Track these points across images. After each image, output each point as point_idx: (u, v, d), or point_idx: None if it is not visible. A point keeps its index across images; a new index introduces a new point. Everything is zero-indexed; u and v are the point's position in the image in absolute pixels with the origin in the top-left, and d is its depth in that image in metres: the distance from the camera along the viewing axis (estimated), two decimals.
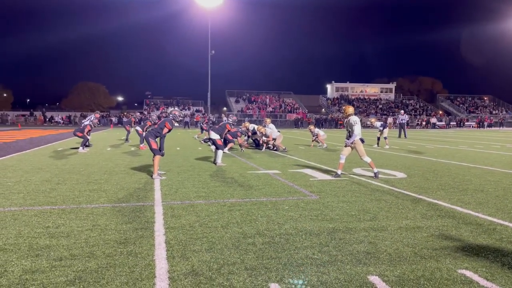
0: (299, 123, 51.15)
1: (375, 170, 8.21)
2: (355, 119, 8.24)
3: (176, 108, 22.91)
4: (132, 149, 14.66)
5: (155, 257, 3.57)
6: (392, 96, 70.28)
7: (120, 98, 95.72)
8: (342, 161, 8.31)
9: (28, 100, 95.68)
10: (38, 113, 57.08)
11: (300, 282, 3.06)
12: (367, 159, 8.27)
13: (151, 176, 7.99)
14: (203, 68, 53.73)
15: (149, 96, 72.27)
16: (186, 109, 60.07)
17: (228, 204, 5.68)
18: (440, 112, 65.28)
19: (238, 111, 57.26)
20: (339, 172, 8.31)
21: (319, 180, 7.79)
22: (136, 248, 3.80)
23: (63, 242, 3.93)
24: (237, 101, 60.57)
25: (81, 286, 2.96)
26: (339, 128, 48.29)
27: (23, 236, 4.12)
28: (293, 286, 3.00)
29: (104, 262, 3.42)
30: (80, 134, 14.08)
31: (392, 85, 71.85)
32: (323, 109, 66.36)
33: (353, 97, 67.67)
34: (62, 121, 52.54)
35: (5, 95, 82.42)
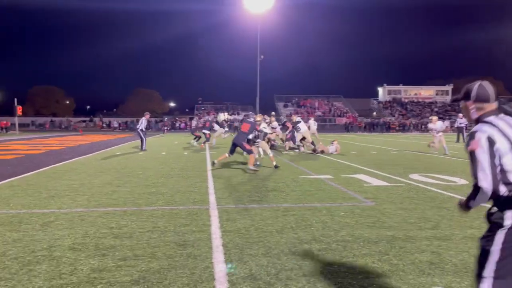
0: (350, 127, 50.18)
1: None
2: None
3: (226, 113, 23.42)
4: (185, 153, 15.06)
5: (213, 260, 3.63)
6: (448, 98, 67.08)
7: (172, 104, 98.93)
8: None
9: (88, 107, 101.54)
10: (97, 119, 60.43)
11: None
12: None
13: (248, 167, 9.59)
14: (252, 73, 54.27)
15: (200, 102, 74.00)
16: (235, 114, 60.95)
17: (282, 209, 5.66)
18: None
19: (286, 116, 57.18)
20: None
21: (374, 186, 7.58)
22: (195, 250, 3.88)
23: (127, 243, 4.10)
24: (285, 106, 60.55)
25: (145, 286, 3.08)
26: (391, 133, 46.81)
27: (90, 236, 4.35)
28: None
29: (166, 263, 3.53)
30: (197, 134, 18.94)
31: (449, 87, 68.64)
32: (374, 113, 64.66)
33: (406, 100, 65.41)
34: (119, 127, 55.14)
35: (67, 102, 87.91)
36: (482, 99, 2.04)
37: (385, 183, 7.90)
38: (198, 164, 11.21)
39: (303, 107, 60.14)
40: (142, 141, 16.35)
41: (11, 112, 50.38)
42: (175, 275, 3.27)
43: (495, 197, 1.98)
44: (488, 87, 2.07)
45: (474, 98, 2.06)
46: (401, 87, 68.17)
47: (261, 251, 3.86)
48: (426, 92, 67.93)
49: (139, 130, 16.37)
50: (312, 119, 19.85)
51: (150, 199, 6.30)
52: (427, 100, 65.64)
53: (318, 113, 57.95)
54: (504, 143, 1.93)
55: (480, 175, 1.93)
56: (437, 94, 67.79)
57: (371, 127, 50.36)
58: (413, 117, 58.27)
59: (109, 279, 3.19)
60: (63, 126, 56.58)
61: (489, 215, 2.05)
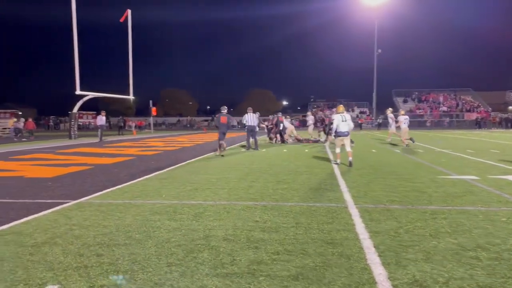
0: (482, 123, 45.04)
1: (337, 160, 10.46)
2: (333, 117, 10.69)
3: None
4: (306, 150, 15.06)
5: (368, 261, 3.46)
6: None
7: (285, 103, 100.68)
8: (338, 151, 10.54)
9: (208, 107, 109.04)
10: None
11: None
12: (337, 150, 10.57)
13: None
14: (369, 68, 52.22)
15: (312, 100, 74.13)
16: (350, 111, 59.34)
17: (429, 211, 5.22)
18: None
19: (406, 112, 53.72)
20: (338, 161, 10.39)
21: None
22: (345, 250, 3.76)
23: (275, 237, 4.17)
24: (405, 101, 56.97)
25: (306, 282, 3.05)
26: None
27: (239, 228, 4.53)
28: None
29: (319, 261, 3.47)
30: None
31: None
32: (511, 107, 57.04)
33: None
34: (237, 125, 57.98)
35: (190, 103, 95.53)
36: None
37: None
38: (322, 161, 11.09)
39: (425, 102, 55.92)
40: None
41: (145, 113, 56.86)
42: (333, 274, 3.19)
43: None
44: None
45: None
46: None
47: (420, 256, 3.57)
48: None
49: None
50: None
51: (286, 195, 6.38)
52: None
53: (443, 108, 53.24)
54: None
55: None
56: None
57: (509, 123, 44.46)
58: None
59: (268, 272, 3.24)
60: (188, 125, 61.63)
61: None
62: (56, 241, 4.10)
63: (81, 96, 24.34)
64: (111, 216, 5.11)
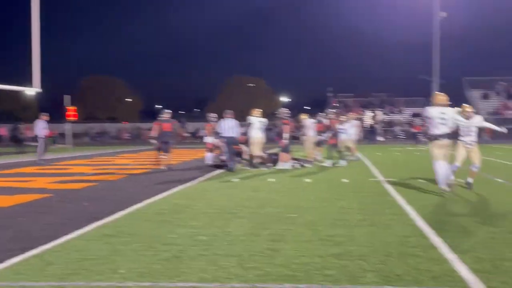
0: None
1: None
2: None
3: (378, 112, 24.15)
4: (345, 180, 14.47)
5: None
6: None
7: (285, 99, 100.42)
8: None
9: (160, 106, 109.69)
10: (176, 126, 65.62)
11: None
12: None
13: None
14: (425, 45, 52.29)
15: (330, 94, 71.93)
16: (395, 113, 59.38)
17: None
18: None
19: (488, 112, 53.95)
20: None
21: None
22: None
23: None
24: (485, 96, 57.24)
25: None
26: None
27: None
28: None
29: None
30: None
31: None
32: None
33: None
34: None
35: (129, 100, 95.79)
36: None
37: None
38: (378, 199, 10.55)
39: None
40: None
41: (55, 116, 52.30)
42: None
43: None
44: None
45: None
46: None
47: None
48: None
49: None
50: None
51: (349, 269, 5.64)
52: None
53: None
54: None
55: None
56: None
57: None
58: None
59: None
60: (129, 137, 60.94)
61: None
62: None
63: None
64: None
